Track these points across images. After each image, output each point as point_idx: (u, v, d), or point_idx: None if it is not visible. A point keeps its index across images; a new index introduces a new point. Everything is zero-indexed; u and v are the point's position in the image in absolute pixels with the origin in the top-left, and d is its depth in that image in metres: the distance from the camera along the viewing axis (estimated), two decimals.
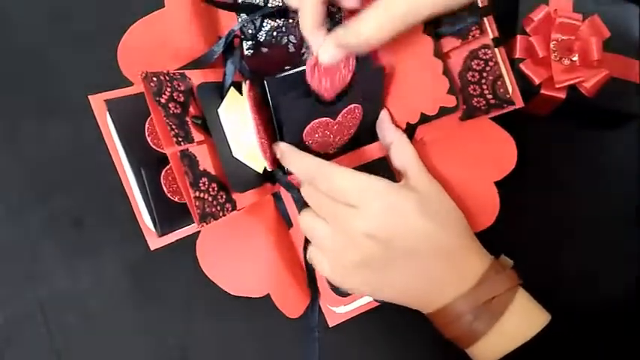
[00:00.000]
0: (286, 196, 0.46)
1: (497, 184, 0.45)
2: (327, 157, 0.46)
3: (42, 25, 0.54)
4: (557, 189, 0.55)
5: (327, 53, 0.38)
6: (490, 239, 0.43)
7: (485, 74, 0.42)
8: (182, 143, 0.37)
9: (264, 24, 0.43)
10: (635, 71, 0.54)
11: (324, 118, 0.43)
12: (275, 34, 0.44)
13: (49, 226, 0.49)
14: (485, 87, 0.43)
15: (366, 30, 0.36)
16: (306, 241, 0.45)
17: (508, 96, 0.43)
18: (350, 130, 0.45)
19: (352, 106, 0.44)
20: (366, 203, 0.38)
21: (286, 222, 0.47)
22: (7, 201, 0.50)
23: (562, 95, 0.52)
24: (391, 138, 0.45)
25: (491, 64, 0.42)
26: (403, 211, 0.38)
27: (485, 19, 0.43)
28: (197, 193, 0.38)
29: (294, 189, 0.45)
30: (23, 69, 0.52)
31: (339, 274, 0.40)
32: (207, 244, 0.44)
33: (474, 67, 0.43)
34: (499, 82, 0.42)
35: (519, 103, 0.44)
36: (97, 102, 0.39)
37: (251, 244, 0.45)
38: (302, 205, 0.44)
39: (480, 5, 0.43)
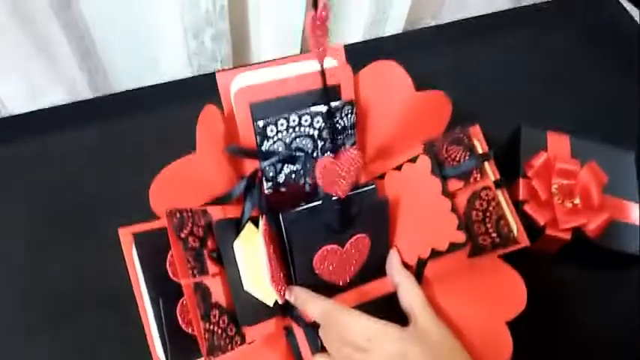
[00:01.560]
0: (298, 330, 0.47)
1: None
2: (338, 289, 0.48)
3: (81, 159, 0.60)
4: (563, 327, 0.55)
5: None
6: None
7: (488, 214, 0.46)
8: (197, 275, 0.40)
9: (284, 168, 0.48)
10: (635, 214, 0.57)
11: (333, 245, 0.45)
12: (294, 176, 0.48)
13: (64, 351, 0.50)
14: (489, 226, 0.46)
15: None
16: None
17: (512, 235, 0.45)
18: (358, 260, 0.48)
19: (359, 235, 0.46)
20: (374, 349, 0.39)
21: (296, 357, 0.47)
22: (25, 323, 0.51)
23: (567, 236, 0.55)
24: (399, 279, 0.47)
25: (493, 204, 0.45)
26: (410, 357, 0.39)
27: (485, 163, 0.48)
28: (207, 326, 0.39)
29: (306, 324, 0.46)
30: (59, 198, 0.57)
31: None
32: None
33: (477, 207, 0.46)
34: (502, 222, 0.45)
35: (525, 242, 0.47)
36: (125, 235, 0.43)
37: None
38: (314, 339, 0.45)
39: (480, 152, 0.48)
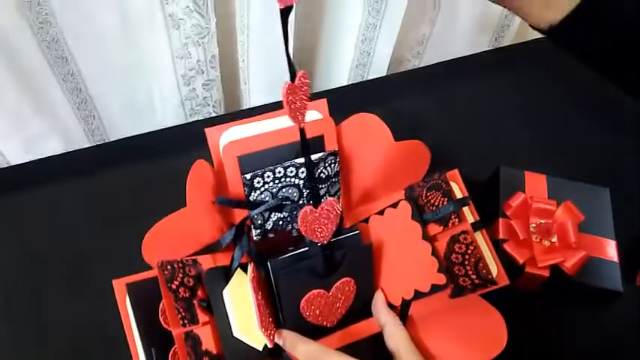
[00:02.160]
0: None
1: None
2: (326, 330, 0.50)
3: (77, 208, 0.62)
4: None
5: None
6: None
7: (467, 257, 0.48)
8: (187, 325, 0.42)
9: (272, 215, 0.50)
10: (612, 251, 0.60)
11: (319, 290, 0.48)
12: (281, 223, 0.51)
13: None
14: (468, 268, 0.48)
15: None
16: None
17: (490, 277, 0.48)
18: (345, 303, 0.50)
19: (345, 279, 0.49)
20: None
21: None
22: None
23: (546, 273, 0.57)
24: (384, 320, 0.49)
25: (471, 247, 0.48)
26: None
27: (464, 208, 0.50)
28: None
29: None
30: (56, 247, 0.59)
31: None
32: None
33: (457, 250, 0.48)
34: (481, 264, 0.48)
35: (504, 281, 0.49)
36: (119, 286, 0.45)
37: None
38: None
39: (459, 196, 0.51)
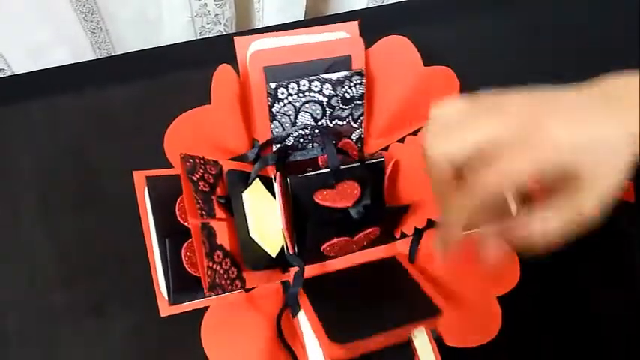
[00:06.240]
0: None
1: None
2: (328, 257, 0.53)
3: (86, 123, 0.63)
4: (554, 302, 0.60)
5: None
6: (492, 350, 0.48)
7: None
8: (204, 216, 0.45)
9: (293, 131, 0.52)
10: (630, 192, 0.62)
11: (344, 238, 0.51)
12: (302, 140, 0.53)
13: (69, 310, 0.54)
14: None
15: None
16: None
17: None
18: (365, 244, 0.53)
19: (372, 229, 0.51)
20: None
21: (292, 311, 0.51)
22: (32, 282, 0.55)
23: None
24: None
25: None
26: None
27: None
28: (210, 263, 0.44)
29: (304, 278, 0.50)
30: (66, 163, 0.61)
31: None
32: (212, 325, 0.47)
33: None
34: None
35: None
36: (139, 177, 0.48)
37: (254, 329, 0.49)
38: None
39: None
